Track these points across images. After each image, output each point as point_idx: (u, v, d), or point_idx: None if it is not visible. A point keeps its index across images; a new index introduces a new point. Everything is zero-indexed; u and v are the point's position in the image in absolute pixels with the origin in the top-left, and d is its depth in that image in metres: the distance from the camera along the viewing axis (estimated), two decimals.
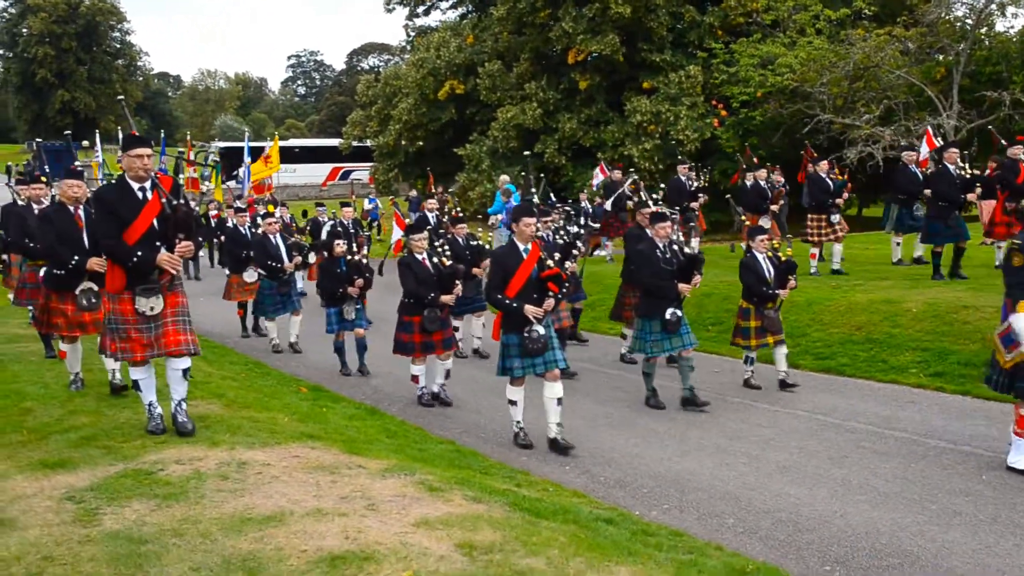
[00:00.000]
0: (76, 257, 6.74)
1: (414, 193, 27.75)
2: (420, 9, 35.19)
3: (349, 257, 9.90)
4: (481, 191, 26.39)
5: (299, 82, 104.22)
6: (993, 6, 21.62)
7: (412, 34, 37.28)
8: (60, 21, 63.90)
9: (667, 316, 7.99)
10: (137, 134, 5.89)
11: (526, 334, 6.78)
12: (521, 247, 6.97)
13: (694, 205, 14.99)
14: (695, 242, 13.54)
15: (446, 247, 9.39)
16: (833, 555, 4.99)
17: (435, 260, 8.62)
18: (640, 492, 6.11)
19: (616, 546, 4.41)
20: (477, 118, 29.59)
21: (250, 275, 12.19)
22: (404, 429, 7.42)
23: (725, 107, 24.36)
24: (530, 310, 6.77)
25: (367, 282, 9.94)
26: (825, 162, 13.76)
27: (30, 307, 9.04)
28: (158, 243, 5.66)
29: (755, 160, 16.41)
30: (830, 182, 13.22)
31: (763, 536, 5.29)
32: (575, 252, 9.13)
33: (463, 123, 30.32)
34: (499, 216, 16.35)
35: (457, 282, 8.55)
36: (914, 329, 9.57)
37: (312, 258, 13.29)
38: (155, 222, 5.65)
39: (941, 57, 22.29)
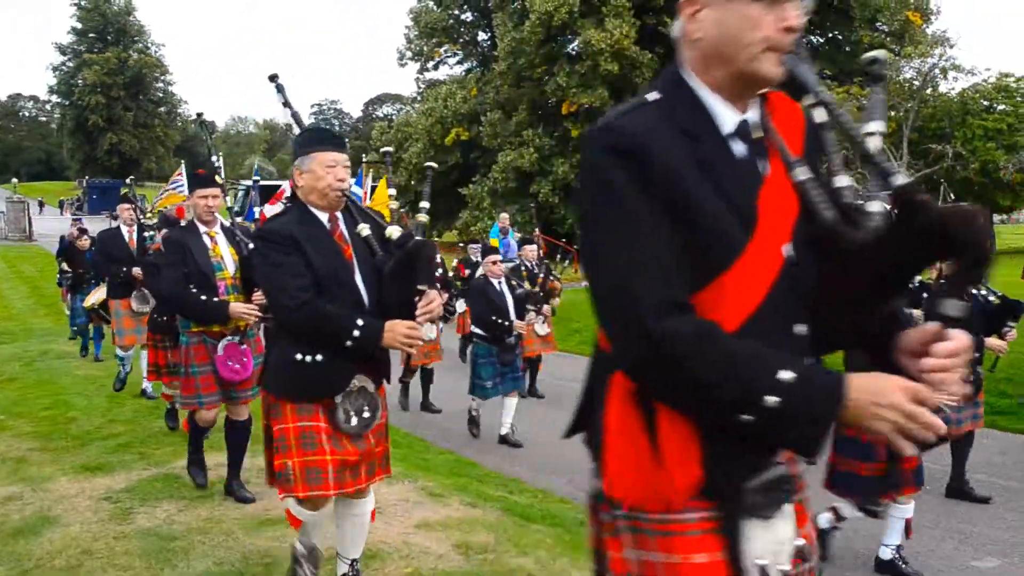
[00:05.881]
0: (361, 322, 2.83)
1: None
2: (430, 64, 35.53)
3: None
4: (482, 227, 26.52)
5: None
6: (936, 70, 21.93)
7: (422, 86, 37.60)
8: (111, 73, 64.27)
9: None
10: None
11: None
12: None
13: None
14: None
15: None
16: None
17: None
18: None
19: None
20: (480, 161, 29.80)
21: (428, 330, 7.56)
22: (409, 440, 7.38)
23: None
24: None
25: None
26: None
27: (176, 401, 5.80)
28: (795, 326, 1.46)
29: None
30: None
31: None
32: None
33: (467, 166, 30.50)
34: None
35: None
36: None
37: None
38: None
39: (892, 114, 22.56)
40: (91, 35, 66.10)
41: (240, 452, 4.70)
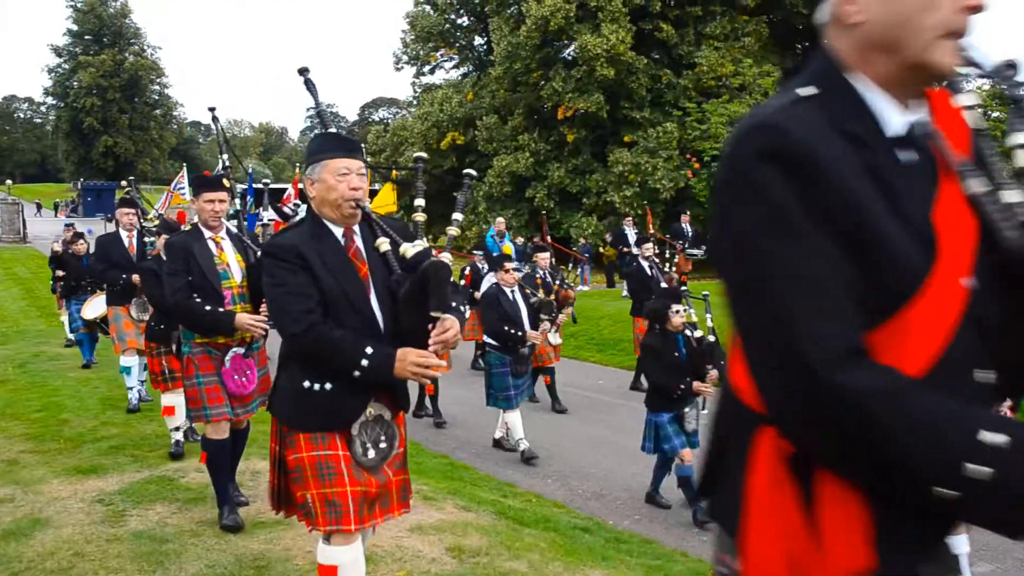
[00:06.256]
0: (370, 350, 2.63)
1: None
2: (426, 68, 35.52)
3: (690, 334, 5.74)
4: (478, 231, 26.55)
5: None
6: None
7: (418, 90, 37.56)
8: (107, 76, 64.17)
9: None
10: None
11: None
12: None
13: None
14: None
15: None
16: None
17: None
18: (614, 504, 6.08)
19: (591, 552, 4.40)
20: (475, 166, 29.78)
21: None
22: None
23: (698, 160, 24.64)
24: None
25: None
26: None
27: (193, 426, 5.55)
28: (977, 372, 1.23)
29: None
30: None
31: None
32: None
33: (462, 170, 30.47)
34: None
35: None
36: None
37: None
38: None
39: None
40: (87, 37, 65.95)
41: (236, 456, 4.68)
